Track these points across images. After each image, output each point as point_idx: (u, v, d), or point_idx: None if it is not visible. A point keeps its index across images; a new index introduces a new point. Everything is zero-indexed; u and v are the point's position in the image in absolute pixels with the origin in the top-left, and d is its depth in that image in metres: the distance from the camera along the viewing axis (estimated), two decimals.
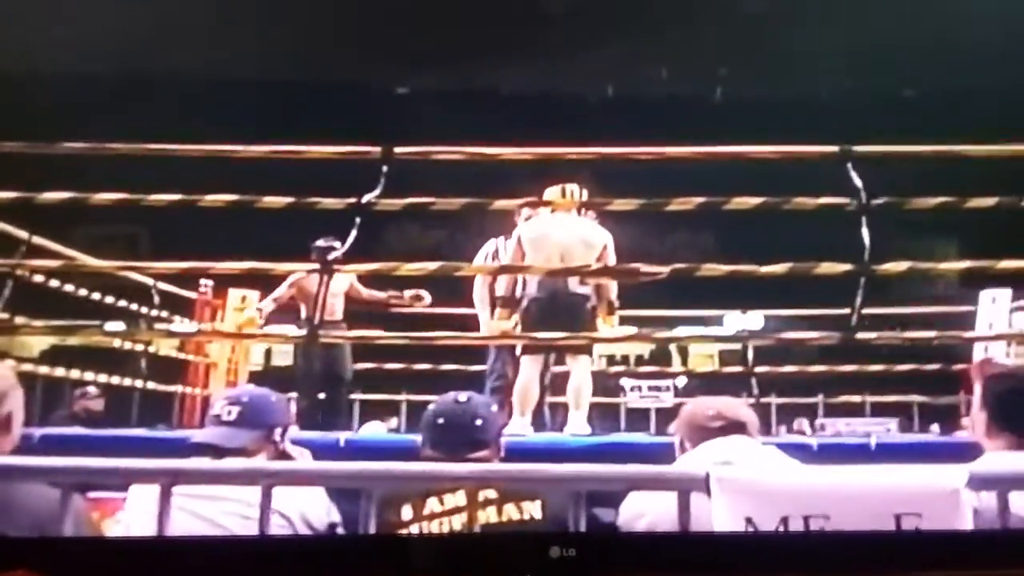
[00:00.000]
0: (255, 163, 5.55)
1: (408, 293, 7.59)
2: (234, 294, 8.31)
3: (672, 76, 13.31)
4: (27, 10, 10.36)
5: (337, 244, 7.22)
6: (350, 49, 11.99)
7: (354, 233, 5.20)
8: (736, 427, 2.89)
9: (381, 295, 7.67)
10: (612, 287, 6.15)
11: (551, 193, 6.12)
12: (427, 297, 7.61)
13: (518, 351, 6.06)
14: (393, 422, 11.32)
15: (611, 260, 6.04)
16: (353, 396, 8.39)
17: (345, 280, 7.35)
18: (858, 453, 4.63)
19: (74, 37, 10.76)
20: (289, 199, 5.30)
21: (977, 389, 2.98)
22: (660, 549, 2.14)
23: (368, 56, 12.31)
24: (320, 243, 7.34)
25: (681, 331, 8.86)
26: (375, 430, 8.55)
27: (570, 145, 5.78)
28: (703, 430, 2.90)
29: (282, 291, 7.62)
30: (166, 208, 5.33)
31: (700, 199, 5.33)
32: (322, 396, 7.48)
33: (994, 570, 2.05)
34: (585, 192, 6.11)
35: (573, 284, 5.98)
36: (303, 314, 7.64)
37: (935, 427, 10.21)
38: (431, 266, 5.40)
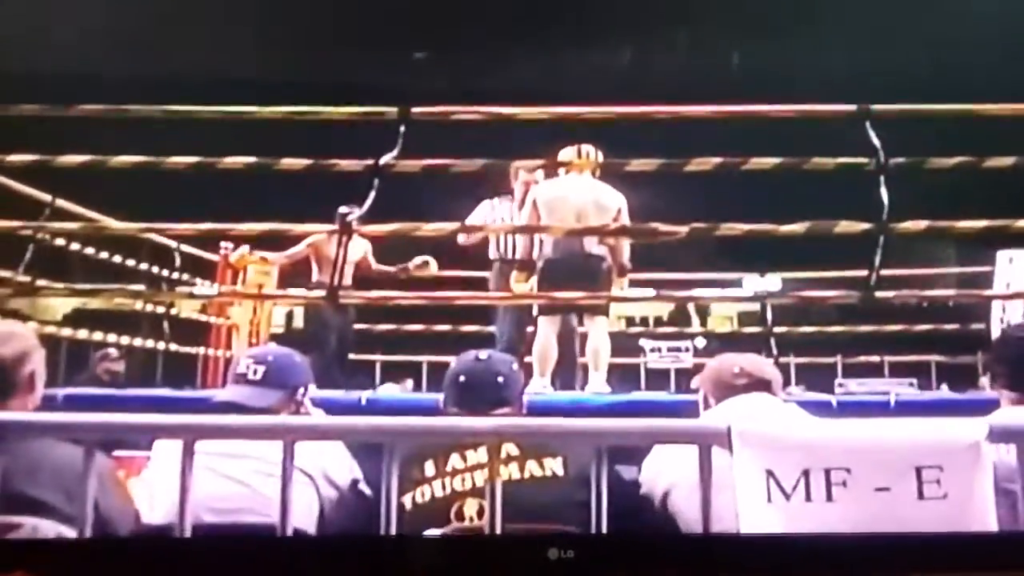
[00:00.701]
0: (271, 126, 5.52)
1: (414, 262, 7.52)
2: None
3: (691, 42, 13.19)
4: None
5: (358, 210, 7.27)
6: (364, 51, 11.91)
7: (372, 195, 5.16)
8: (760, 384, 2.89)
9: (390, 268, 7.61)
10: (625, 250, 6.15)
11: (566, 154, 6.09)
12: (433, 264, 7.53)
13: (535, 312, 6.06)
14: (409, 384, 11.36)
15: (625, 223, 6.03)
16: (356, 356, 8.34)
17: (360, 250, 7.32)
18: (878, 410, 4.64)
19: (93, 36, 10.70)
20: (307, 161, 5.27)
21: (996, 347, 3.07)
22: (658, 550, 2.14)
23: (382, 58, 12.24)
24: (343, 209, 7.33)
25: (699, 292, 8.86)
26: (391, 391, 8.56)
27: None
28: (727, 386, 2.90)
29: (299, 249, 7.61)
30: (185, 171, 5.30)
31: (717, 160, 5.26)
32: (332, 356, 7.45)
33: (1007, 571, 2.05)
34: (600, 154, 6.09)
35: (589, 245, 5.97)
36: (315, 276, 7.64)
37: (943, 387, 10.14)
38: (450, 226, 5.45)
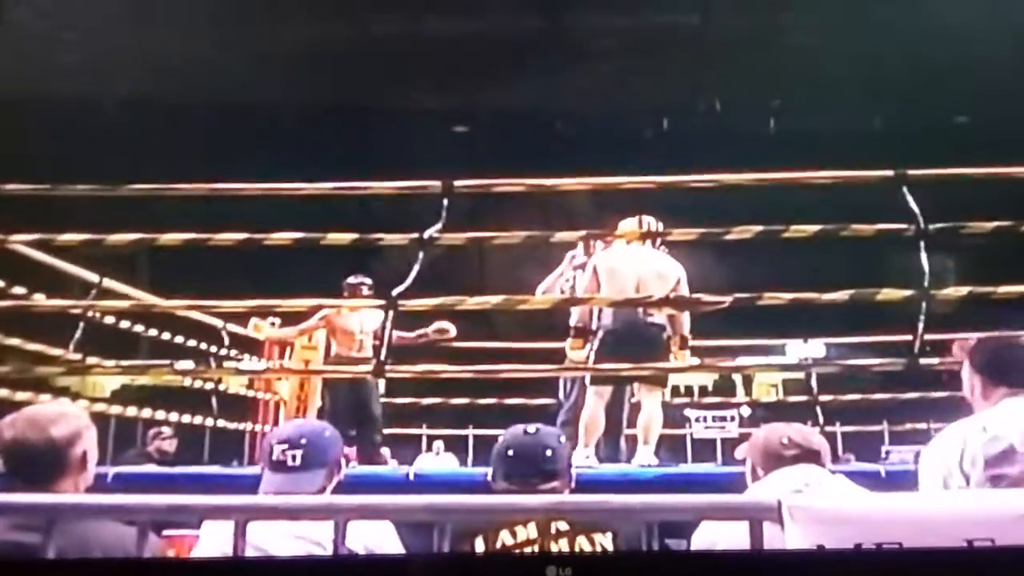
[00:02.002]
0: (309, 200, 5.56)
1: (433, 327, 7.39)
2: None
3: (725, 108, 13.23)
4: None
5: (368, 280, 7.26)
6: (401, 81, 12.02)
7: (416, 268, 5.15)
8: (809, 455, 2.86)
9: (408, 334, 7.30)
10: (686, 320, 6.14)
11: (627, 225, 6.12)
12: (452, 329, 7.42)
13: (587, 382, 6.02)
14: (439, 446, 11.35)
15: (684, 292, 6.03)
16: (385, 433, 8.22)
17: (378, 319, 7.18)
18: None
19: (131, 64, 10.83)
20: (353, 235, 5.30)
21: (965, 362, 3.25)
22: (657, 568, 2.11)
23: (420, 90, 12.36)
24: (351, 280, 7.34)
25: (744, 361, 8.77)
26: (429, 462, 8.52)
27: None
28: (776, 457, 2.87)
29: (312, 323, 7.58)
30: (229, 247, 5.34)
31: (758, 228, 5.28)
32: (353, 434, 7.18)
33: None
34: (660, 225, 6.12)
35: (652, 314, 5.99)
36: (333, 349, 7.63)
37: None
38: (495, 300, 5.36)
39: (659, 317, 6.02)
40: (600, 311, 6.13)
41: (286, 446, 2.92)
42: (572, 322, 6.28)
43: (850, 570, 1.98)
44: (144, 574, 2.17)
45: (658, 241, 6.20)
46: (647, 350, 5.79)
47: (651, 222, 6.13)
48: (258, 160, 7.52)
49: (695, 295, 5.67)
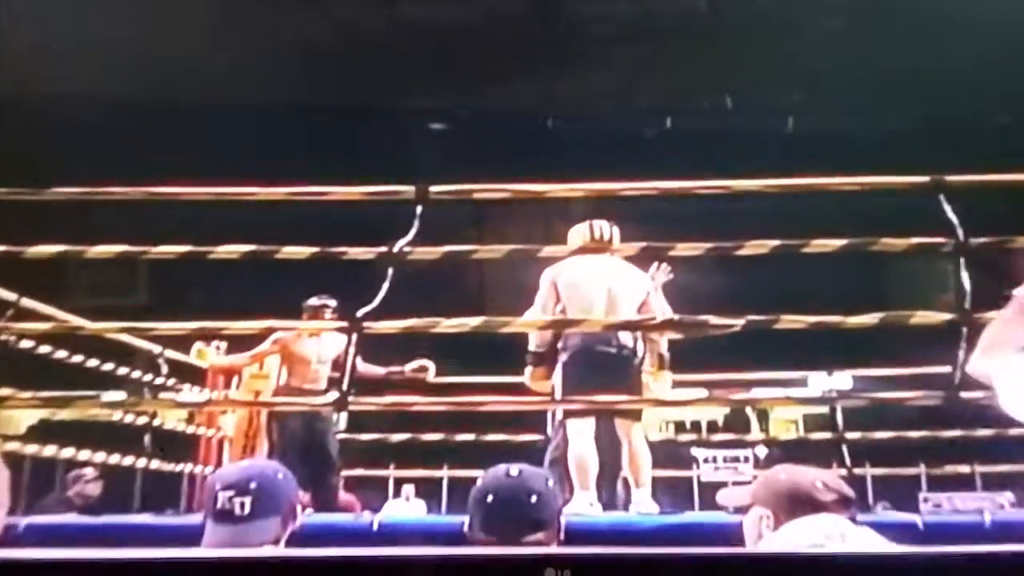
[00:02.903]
0: (267, 207, 5.53)
1: (411, 365, 7.38)
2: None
3: (738, 106, 13.25)
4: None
5: (331, 302, 7.21)
6: (379, 76, 12.03)
7: (386, 286, 5.13)
8: (841, 503, 2.81)
9: (379, 369, 7.34)
10: (663, 339, 6.11)
11: (577, 233, 6.09)
12: (432, 368, 7.38)
13: (558, 415, 5.96)
14: (408, 491, 11.30)
15: (657, 307, 6.00)
16: (345, 475, 8.17)
17: (338, 345, 7.08)
18: (970, 532, 4.53)
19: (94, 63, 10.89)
20: (312, 249, 5.29)
21: None
22: (657, 569, 2.12)
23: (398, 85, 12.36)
24: (313, 301, 7.29)
25: (759, 393, 8.73)
26: (399, 509, 8.46)
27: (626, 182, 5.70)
28: (806, 503, 2.81)
29: (264, 348, 7.51)
30: (171, 261, 5.30)
31: (775, 242, 5.29)
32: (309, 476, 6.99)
33: None
34: (616, 230, 6.06)
35: (623, 335, 5.93)
36: (283, 379, 7.57)
37: (1008, 495, 9.87)
38: (473, 322, 5.35)
39: (627, 337, 5.97)
40: (564, 334, 6.03)
41: (232, 492, 2.85)
42: (531, 346, 6.21)
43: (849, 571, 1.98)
44: (145, 574, 2.15)
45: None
46: (617, 377, 5.77)
47: (603, 229, 6.07)
48: (218, 161, 7.47)
49: (702, 317, 5.55)
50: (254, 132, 12.20)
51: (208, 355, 7.91)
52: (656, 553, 2.09)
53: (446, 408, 5.69)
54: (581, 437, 5.78)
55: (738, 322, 5.30)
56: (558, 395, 5.91)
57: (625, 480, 6.07)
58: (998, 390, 3.04)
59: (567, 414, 5.90)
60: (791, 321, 5.23)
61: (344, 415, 7.40)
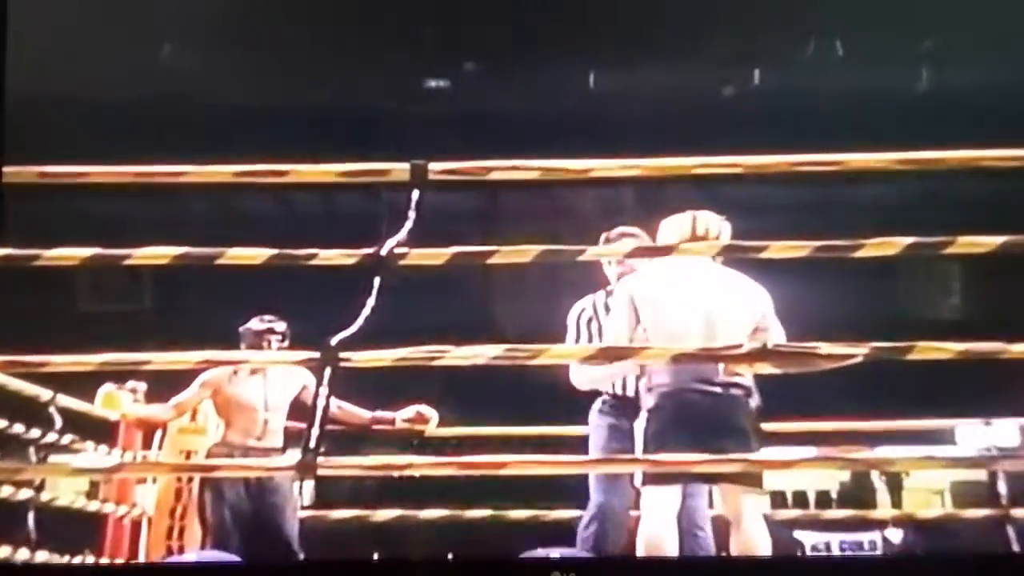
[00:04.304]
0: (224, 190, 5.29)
1: (404, 414, 7.01)
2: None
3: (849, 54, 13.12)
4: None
5: (279, 326, 6.84)
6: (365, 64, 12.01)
7: (371, 302, 4.97)
8: None
9: (362, 413, 7.01)
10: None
11: (672, 227, 5.75)
12: (434, 417, 7.04)
13: (637, 480, 5.54)
14: None
15: (773, 332, 5.60)
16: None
17: (294, 384, 6.88)
18: None
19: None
20: (270, 251, 5.07)
21: None
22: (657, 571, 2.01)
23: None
24: (254, 325, 6.95)
25: (887, 452, 8.38)
26: None
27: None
28: None
29: (190, 395, 7.11)
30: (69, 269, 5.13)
31: (909, 239, 5.06)
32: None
33: None
34: (727, 226, 5.72)
35: (724, 370, 5.52)
36: (222, 434, 7.18)
37: None
38: (490, 351, 5.10)
39: (743, 375, 5.58)
40: (647, 369, 5.64)
41: None
42: (599, 387, 6.05)
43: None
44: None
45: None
46: (723, 428, 5.39)
47: (711, 223, 5.72)
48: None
49: (809, 344, 5.25)
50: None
51: (120, 402, 7.47)
52: (656, 555, 2.12)
53: (453, 472, 5.33)
54: (661, 511, 5.38)
55: (860, 350, 5.02)
56: (638, 451, 5.53)
57: None
58: None
59: (647, 478, 5.46)
60: (931, 349, 4.98)
61: (310, 484, 7.03)
